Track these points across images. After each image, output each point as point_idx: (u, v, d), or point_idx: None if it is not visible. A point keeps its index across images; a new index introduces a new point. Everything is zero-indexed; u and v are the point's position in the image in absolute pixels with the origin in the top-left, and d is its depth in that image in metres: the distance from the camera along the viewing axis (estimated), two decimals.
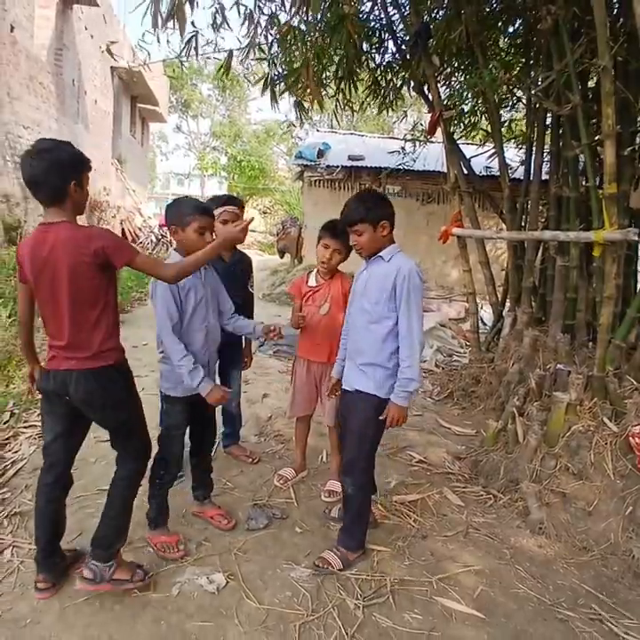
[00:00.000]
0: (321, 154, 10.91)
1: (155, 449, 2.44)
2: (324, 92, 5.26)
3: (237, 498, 3.05)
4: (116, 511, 2.22)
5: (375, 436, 2.51)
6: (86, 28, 12.03)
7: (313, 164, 10.80)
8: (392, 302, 2.37)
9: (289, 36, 4.67)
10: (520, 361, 4.22)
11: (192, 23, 4.25)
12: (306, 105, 5.18)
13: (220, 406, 3.51)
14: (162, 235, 15.63)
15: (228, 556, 2.52)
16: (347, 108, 5.80)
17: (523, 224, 5.13)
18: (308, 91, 4.37)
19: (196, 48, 4.52)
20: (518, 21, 5.06)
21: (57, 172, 1.96)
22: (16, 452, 3.37)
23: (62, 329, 2.04)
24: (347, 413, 2.57)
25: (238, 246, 3.24)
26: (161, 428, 2.63)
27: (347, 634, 2.10)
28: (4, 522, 2.65)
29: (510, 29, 5.34)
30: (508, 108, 6.10)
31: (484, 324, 6.80)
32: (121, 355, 2.18)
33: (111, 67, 14.46)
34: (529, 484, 3.06)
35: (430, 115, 5.25)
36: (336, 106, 5.76)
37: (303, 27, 4.60)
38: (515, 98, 5.73)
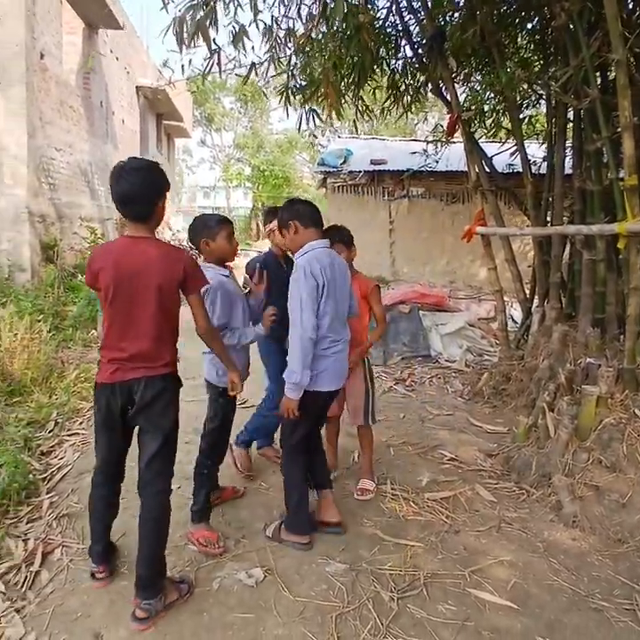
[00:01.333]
0: (343, 160, 11.00)
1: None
2: (343, 101, 5.34)
3: (272, 497, 3.14)
4: (158, 544, 2.21)
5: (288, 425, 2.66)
6: (112, 51, 12.43)
7: (335, 170, 10.89)
8: None
9: (307, 47, 4.79)
10: (550, 357, 4.20)
11: (214, 41, 4.38)
12: (324, 114, 5.27)
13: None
14: (190, 247, 15.90)
15: (264, 553, 2.61)
16: (366, 115, 5.87)
17: (548, 219, 5.11)
18: (328, 100, 4.45)
19: (218, 64, 4.66)
20: (535, 19, 5.05)
21: (151, 191, 2.12)
22: (61, 458, 3.54)
23: (133, 339, 2.10)
24: None
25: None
26: (214, 421, 2.76)
27: (382, 624, 2.16)
28: (53, 523, 2.80)
29: (528, 26, 5.33)
30: (530, 106, 6.06)
31: (515, 323, 6.74)
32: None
33: (137, 87, 14.86)
34: (561, 477, 3.06)
35: (449, 116, 5.29)
36: (356, 112, 5.83)
37: (321, 38, 4.71)
38: (536, 95, 5.70)
